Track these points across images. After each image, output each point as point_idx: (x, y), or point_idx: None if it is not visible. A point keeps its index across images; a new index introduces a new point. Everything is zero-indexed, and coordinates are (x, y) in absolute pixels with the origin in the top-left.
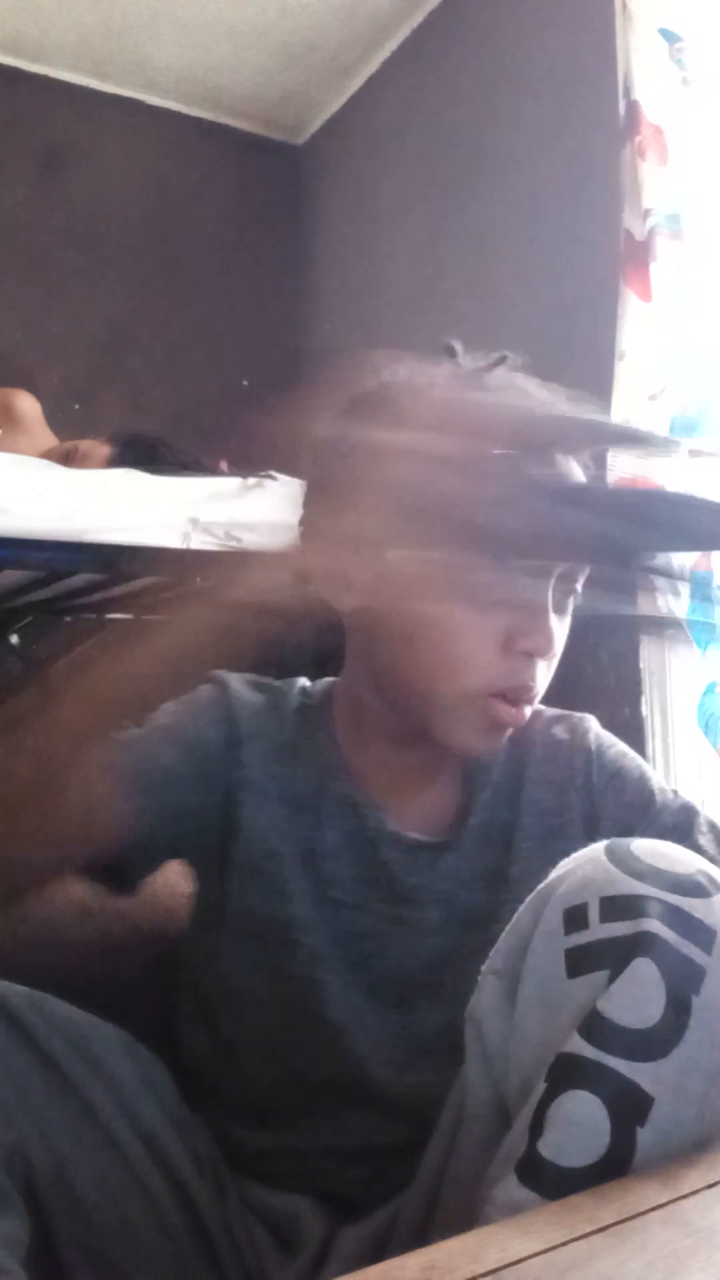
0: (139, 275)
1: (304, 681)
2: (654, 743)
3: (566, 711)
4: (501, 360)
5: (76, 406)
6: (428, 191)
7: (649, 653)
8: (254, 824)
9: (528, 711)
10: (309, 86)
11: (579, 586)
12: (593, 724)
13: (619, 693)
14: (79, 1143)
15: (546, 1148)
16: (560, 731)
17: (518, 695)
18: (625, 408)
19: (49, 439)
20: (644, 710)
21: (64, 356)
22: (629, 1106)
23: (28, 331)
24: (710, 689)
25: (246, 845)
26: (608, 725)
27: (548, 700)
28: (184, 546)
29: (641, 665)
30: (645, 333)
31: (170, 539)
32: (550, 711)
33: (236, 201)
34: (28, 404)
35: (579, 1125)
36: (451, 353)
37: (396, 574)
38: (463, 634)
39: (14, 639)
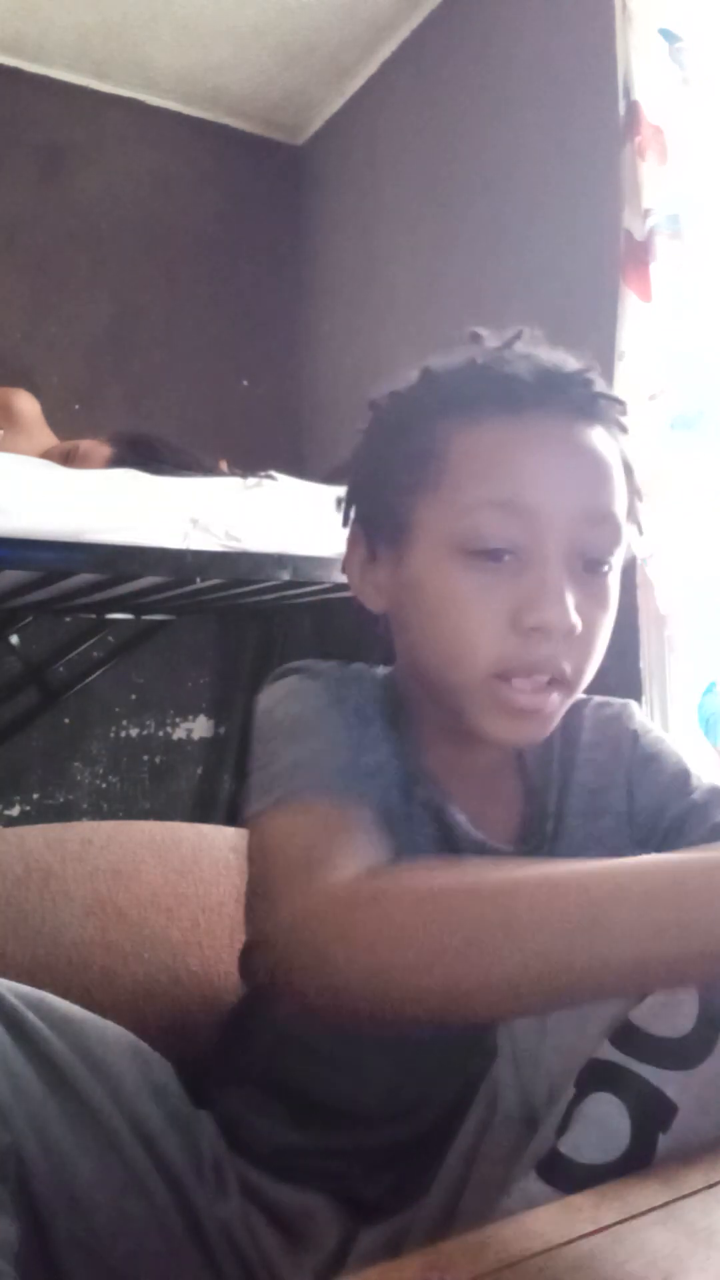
0: (139, 275)
1: (363, 667)
2: None
3: (610, 697)
4: (518, 335)
5: (76, 406)
6: (427, 191)
7: (649, 653)
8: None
9: (556, 697)
10: (309, 86)
11: (612, 564)
12: (636, 709)
13: (619, 693)
14: (78, 1144)
15: (566, 1145)
16: (608, 713)
17: (530, 674)
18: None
19: (49, 439)
20: (644, 710)
21: (64, 356)
22: (653, 1112)
23: (28, 331)
24: (710, 689)
25: None
26: None
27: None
28: (184, 546)
29: (641, 665)
30: (645, 333)
31: (170, 539)
32: (596, 698)
33: (236, 201)
34: (27, 404)
35: (599, 1125)
36: (476, 339)
37: (412, 572)
38: (470, 613)
39: (14, 639)
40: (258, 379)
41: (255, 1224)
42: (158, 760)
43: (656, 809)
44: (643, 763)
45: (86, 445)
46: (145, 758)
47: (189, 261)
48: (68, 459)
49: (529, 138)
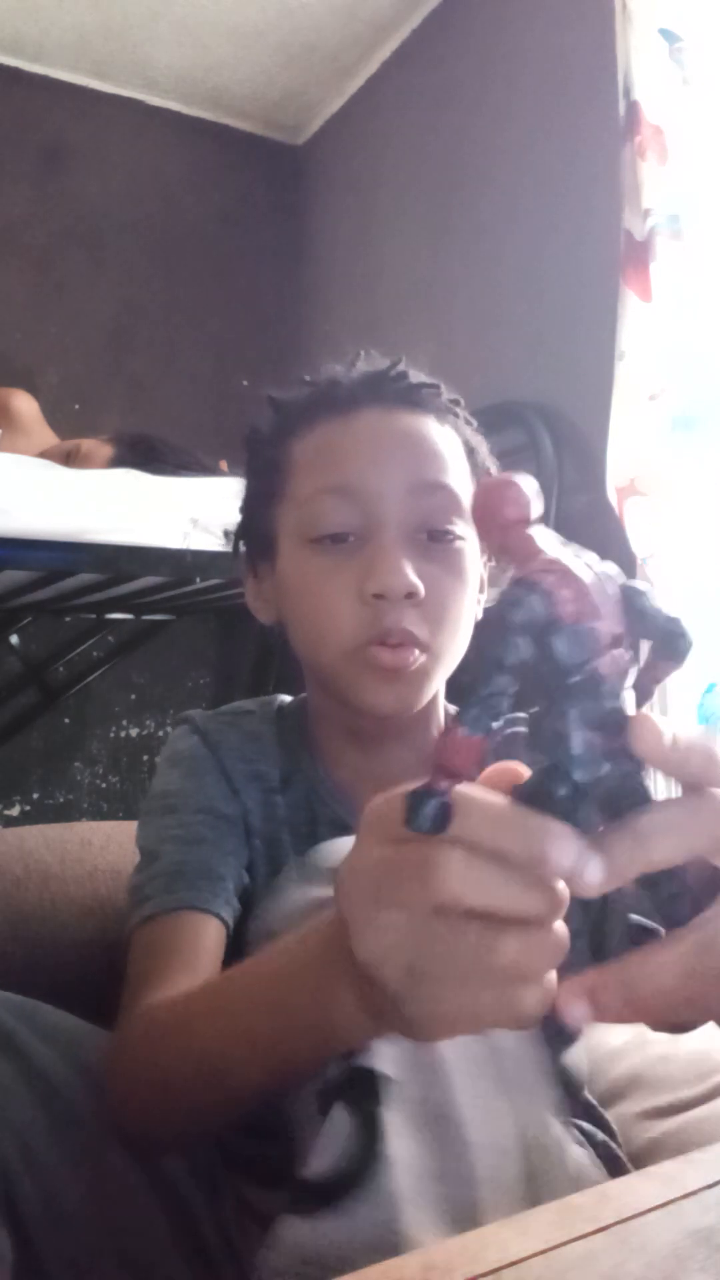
0: (139, 275)
1: (282, 699)
2: None
3: None
4: (356, 357)
5: (76, 406)
6: (427, 192)
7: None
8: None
9: (417, 654)
10: (309, 86)
11: (457, 534)
12: None
13: None
14: (66, 1159)
15: None
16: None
17: (384, 640)
18: (625, 408)
19: (49, 439)
20: (644, 710)
21: (64, 356)
22: None
23: (28, 331)
24: (710, 689)
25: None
26: None
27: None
28: (184, 546)
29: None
30: (645, 333)
31: (170, 539)
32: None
33: (236, 201)
34: (27, 404)
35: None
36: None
37: (279, 574)
38: (324, 594)
39: (14, 639)
40: (258, 379)
41: (248, 1225)
42: (158, 760)
43: None
44: None
45: (87, 445)
46: (145, 758)
47: (189, 261)
48: (68, 459)
49: (529, 138)
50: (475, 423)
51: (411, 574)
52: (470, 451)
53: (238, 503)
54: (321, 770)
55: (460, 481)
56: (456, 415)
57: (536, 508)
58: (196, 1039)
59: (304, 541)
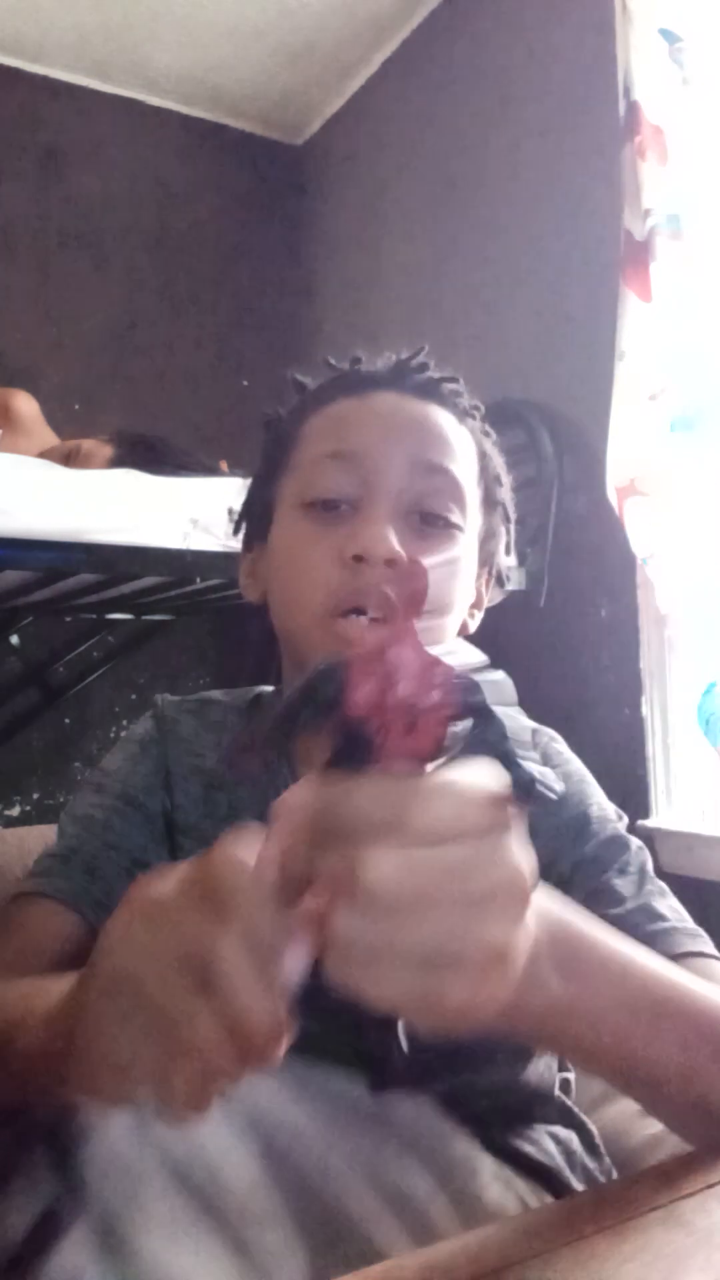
0: (139, 275)
1: (262, 689)
2: (654, 743)
3: (536, 726)
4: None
5: (76, 406)
6: (427, 191)
7: (649, 653)
8: None
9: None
10: (309, 86)
11: (453, 522)
12: (544, 741)
13: (619, 693)
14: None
15: None
16: None
17: (356, 604)
18: (625, 408)
19: (49, 439)
20: (644, 710)
21: (64, 356)
22: None
23: (28, 331)
24: (710, 689)
25: None
26: (608, 725)
27: (546, 700)
28: (184, 546)
29: (641, 665)
30: (645, 333)
31: (170, 539)
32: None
33: (236, 201)
34: (27, 404)
35: None
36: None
37: (271, 542)
38: (308, 556)
39: (14, 639)
40: (258, 379)
41: None
42: None
43: (548, 858)
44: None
45: (87, 445)
46: None
47: (189, 261)
48: (68, 459)
49: (529, 138)
50: (494, 435)
51: (395, 542)
52: (483, 455)
53: (239, 502)
54: (287, 767)
55: (466, 475)
56: (475, 419)
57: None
58: None
59: (298, 505)
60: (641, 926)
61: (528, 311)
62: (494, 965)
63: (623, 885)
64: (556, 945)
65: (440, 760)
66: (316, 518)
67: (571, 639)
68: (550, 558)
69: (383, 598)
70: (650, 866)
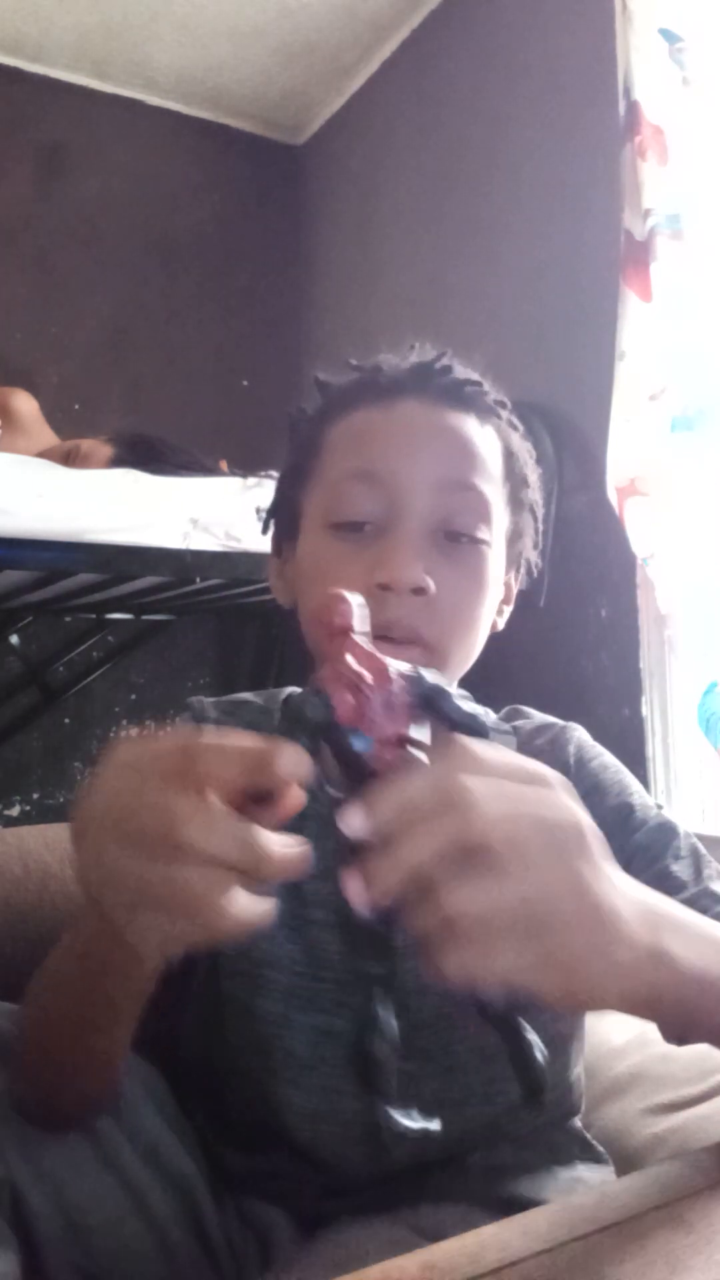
0: (139, 275)
1: (291, 691)
2: (654, 743)
3: (553, 720)
4: (411, 349)
5: (76, 406)
6: (427, 191)
7: (649, 653)
8: None
9: (417, 653)
10: (309, 86)
11: (481, 539)
12: (576, 734)
13: (619, 693)
14: (73, 1167)
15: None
16: (541, 742)
17: (384, 634)
18: (625, 408)
19: (49, 439)
20: (644, 710)
21: (64, 356)
22: None
23: (28, 331)
24: (710, 689)
25: None
26: (608, 725)
27: (547, 701)
28: (184, 546)
29: (641, 665)
30: (645, 333)
31: (170, 539)
32: (538, 720)
33: (236, 201)
34: (27, 404)
35: None
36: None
37: (298, 555)
38: (333, 578)
39: (14, 639)
40: (258, 379)
41: (246, 1234)
42: None
43: None
44: (580, 797)
45: (87, 445)
46: None
47: (189, 261)
48: (68, 459)
49: (529, 138)
50: (521, 427)
51: (421, 570)
52: (509, 454)
53: (238, 503)
54: (320, 766)
55: (493, 486)
56: (500, 417)
57: (360, 621)
58: (35, 1002)
59: (324, 525)
60: (710, 910)
61: (528, 311)
62: (591, 914)
63: (680, 870)
64: (664, 919)
65: (422, 730)
66: (343, 537)
67: (571, 639)
68: (550, 558)
69: (409, 629)
70: (702, 849)
